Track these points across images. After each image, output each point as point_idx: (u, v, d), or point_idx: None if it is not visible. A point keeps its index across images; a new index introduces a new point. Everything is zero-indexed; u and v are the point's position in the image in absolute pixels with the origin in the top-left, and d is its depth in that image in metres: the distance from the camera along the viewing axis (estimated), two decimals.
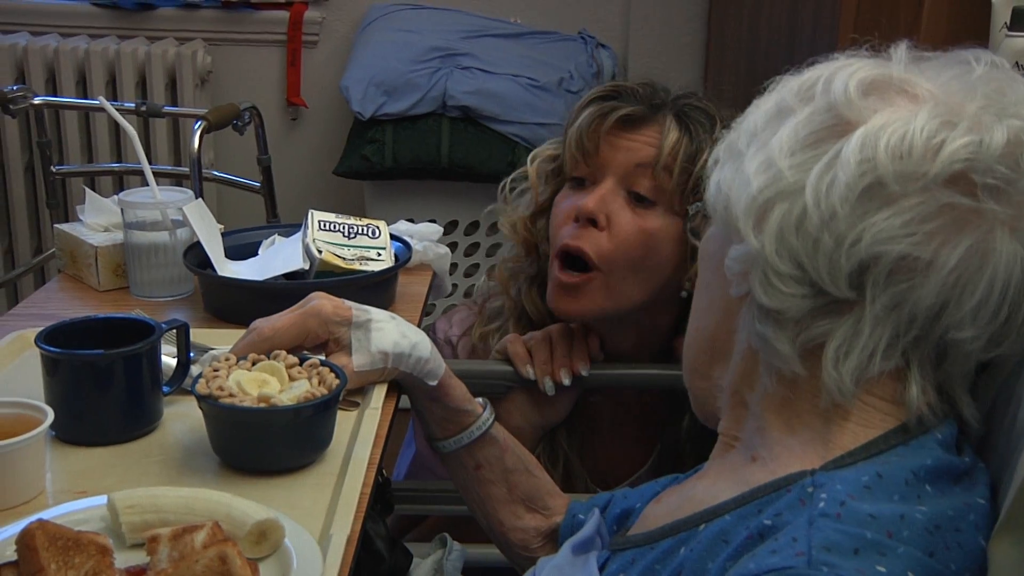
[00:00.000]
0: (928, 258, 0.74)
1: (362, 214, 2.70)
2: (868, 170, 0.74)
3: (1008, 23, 1.39)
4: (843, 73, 0.80)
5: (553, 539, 1.14)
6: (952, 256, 0.74)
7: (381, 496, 1.20)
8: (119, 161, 2.76)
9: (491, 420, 1.15)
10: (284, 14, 2.84)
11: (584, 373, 1.34)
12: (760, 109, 0.84)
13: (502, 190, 1.45)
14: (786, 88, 0.83)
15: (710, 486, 0.85)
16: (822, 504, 0.73)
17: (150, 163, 1.45)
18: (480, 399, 1.16)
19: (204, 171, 2.31)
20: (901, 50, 0.82)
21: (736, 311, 0.84)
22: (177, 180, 2.58)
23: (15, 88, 2.39)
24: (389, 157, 2.60)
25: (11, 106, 2.38)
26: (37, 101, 2.40)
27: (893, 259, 0.75)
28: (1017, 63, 1.35)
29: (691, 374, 0.93)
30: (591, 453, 1.44)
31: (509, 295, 1.45)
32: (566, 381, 1.33)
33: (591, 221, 1.29)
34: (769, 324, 0.79)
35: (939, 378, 0.80)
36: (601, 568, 0.91)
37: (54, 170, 2.57)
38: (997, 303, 0.76)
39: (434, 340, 1.16)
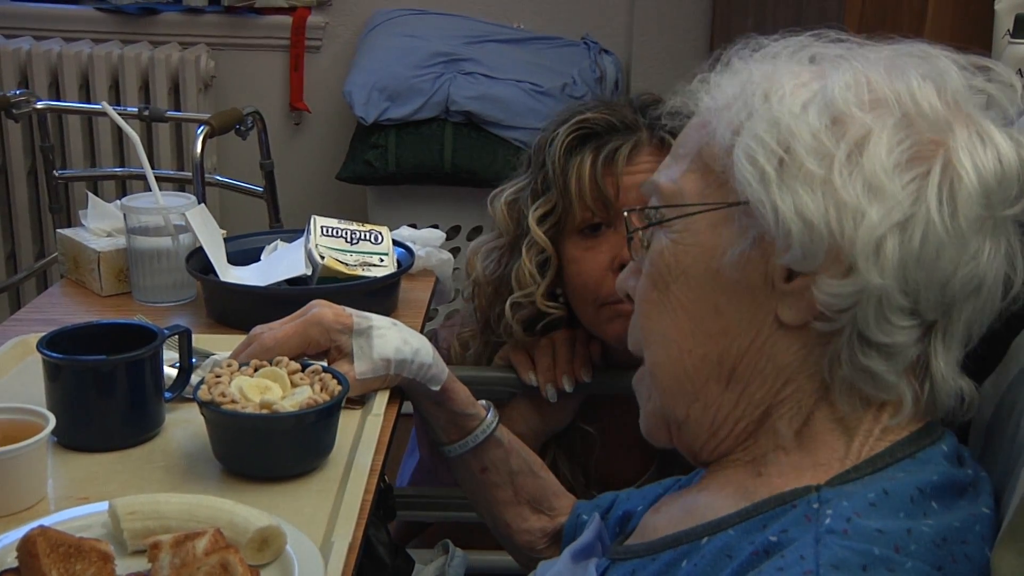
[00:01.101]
0: (999, 270, 0.77)
1: (365, 219, 2.70)
2: (986, 192, 0.75)
3: (1011, 30, 1.39)
4: (902, 79, 0.78)
5: (559, 540, 1.14)
6: (992, 267, 0.77)
7: (383, 502, 1.20)
8: (122, 166, 2.76)
9: (495, 423, 1.15)
10: (287, 19, 2.84)
11: (587, 379, 1.34)
12: (799, 115, 0.77)
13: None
14: (829, 93, 0.77)
15: (712, 498, 0.84)
16: (828, 520, 0.72)
17: (153, 168, 1.45)
18: (484, 402, 1.16)
19: (207, 176, 2.31)
20: (949, 65, 0.80)
21: (781, 336, 0.79)
22: (180, 185, 2.59)
23: (18, 92, 2.39)
24: (392, 162, 2.60)
25: (14, 110, 2.38)
26: (40, 105, 2.40)
27: (992, 278, 0.77)
28: (1020, 70, 1.35)
29: (675, 400, 0.85)
30: (593, 459, 1.44)
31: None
32: (568, 388, 1.33)
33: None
34: (877, 358, 0.77)
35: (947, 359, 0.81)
36: None
37: (57, 174, 2.57)
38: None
39: (436, 347, 1.16)
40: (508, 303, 1.33)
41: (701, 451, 0.87)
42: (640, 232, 0.86)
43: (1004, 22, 1.40)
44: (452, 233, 2.68)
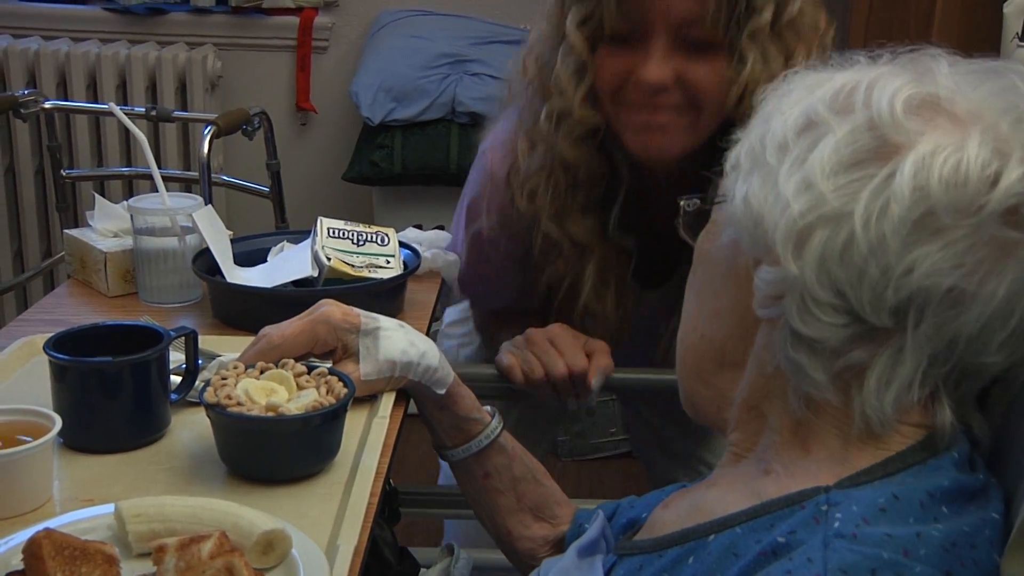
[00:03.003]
0: (973, 290, 0.72)
1: (371, 219, 2.71)
2: (921, 199, 0.71)
3: (1020, 33, 1.39)
4: (885, 87, 0.76)
5: (560, 548, 1.14)
6: (999, 288, 0.72)
7: (389, 504, 1.20)
8: (129, 165, 2.76)
9: (499, 429, 1.14)
10: (294, 20, 2.84)
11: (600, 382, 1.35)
12: (786, 117, 0.79)
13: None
14: (814, 96, 0.79)
15: (721, 496, 0.84)
16: (837, 524, 0.71)
17: (160, 167, 1.44)
18: (488, 407, 1.16)
19: (213, 176, 2.31)
20: (942, 65, 0.78)
21: (755, 327, 0.82)
22: (186, 184, 2.59)
23: (26, 92, 2.39)
24: (398, 163, 2.60)
25: (22, 110, 2.38)
26: (48, 105, 2.40)
27: (942, 292, 0.72)
28: None
29: (691, 379, 0.90)
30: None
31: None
32: (597, 384, 1.34)
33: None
34: (803, 352, 0.77)
35: (957, 395, 0.78)
36: (607, 573, 0.90)
37: (64, 174, 2.57)
38: None
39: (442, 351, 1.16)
40: (545, 109, 1.33)
41: (722, 429, 0.89)
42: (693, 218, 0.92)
43: (1013, 25, 1.40)
44: None
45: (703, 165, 1.10)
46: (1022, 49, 1.34)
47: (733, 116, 1.24)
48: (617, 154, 1.36)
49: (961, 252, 0.72)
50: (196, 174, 2.31)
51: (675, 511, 0.90)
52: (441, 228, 2.18)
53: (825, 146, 0.75)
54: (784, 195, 0.75)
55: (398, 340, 1.09)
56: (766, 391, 0.82)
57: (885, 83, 0.76)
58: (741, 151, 0.82)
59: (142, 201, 1.40)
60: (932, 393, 0.77)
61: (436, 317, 1.49)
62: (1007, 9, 1.43)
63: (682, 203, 0.92)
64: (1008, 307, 0.73)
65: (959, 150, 0.72)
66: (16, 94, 2.38)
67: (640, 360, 1.47)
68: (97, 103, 2.69)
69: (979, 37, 1.54)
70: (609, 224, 1.39)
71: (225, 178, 2.55)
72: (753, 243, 0.79)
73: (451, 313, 1.78)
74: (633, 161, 1.36)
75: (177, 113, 2.45)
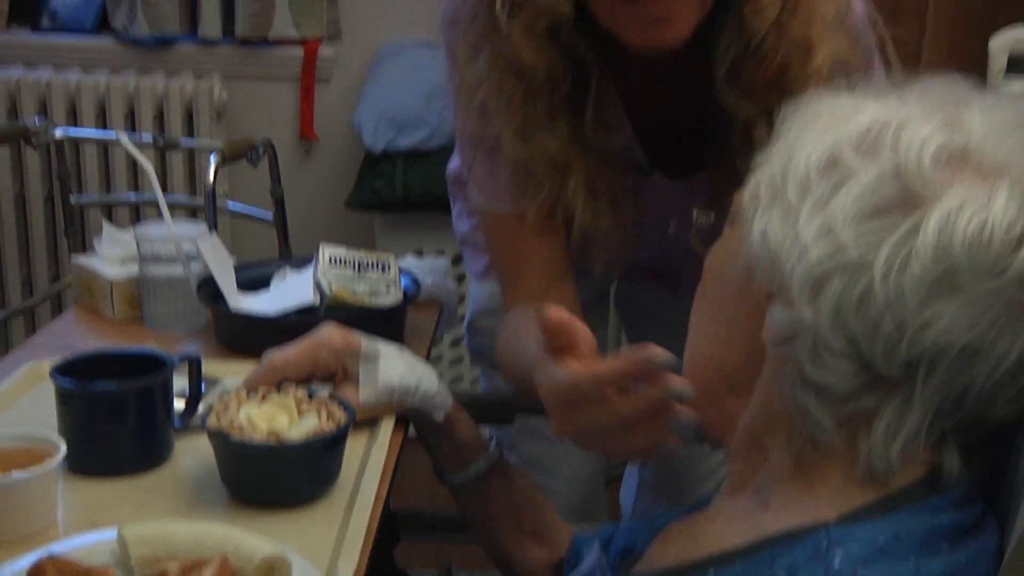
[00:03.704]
0: (986, 348, 0.71)
1: (372, 245, 2.71)
2: (943, 258, 0.69)
3: (1005, 68, 1.39)
4: (915, 133, 0.73)
5: (559, 573, 1.13)
6: (1013, 348, 0.71)
7: (388, 528, 1.19)
8: (136, 191, 2.76)
9: (498, 454, 1.14)
10: (299, 51, 2.85)
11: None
12: (810, 152, 0.76)
13: None
14: (841, 131, 0.76)
15: (720, 530, 0.82)
16: (837, 563, 0.70)
17: (166, 194, 1.45)
18: (487, 433, 1.15)
19: (218, 203, 2.31)
20: (974, 111, 0.75)
21: (764, 356, 0.80)
22: (192, 211, 2.59)
23: (37, 122, 2.40)
24: (399, 190, 2.60)
25: (33, 139, 2.38)
26: (58, 134, 2.40)
27: (956, 349, 0.71)
28: None
29: (700, 398, 0.87)
30: None
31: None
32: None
33: None
34: (811, 396, 0.75)
35: (966, 440, 0.77)
36: None
37: (72, 201, 2.57)
38: None
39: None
40: None
41: (720, 446, 0.88)
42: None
43: (998, 59, 1.41)
44: (457, 259, 2.67)
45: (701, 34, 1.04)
46: (1008, 84, 1.35)
47: None
48: (581, 46, 1.12)
49: (978, 312, 0.70)
50: (202, 201, 2.31)
51: (674, 544, 0.89)
52: (441, 252, 2.19)
53: (848, 192, 0.73)
54: (803, 238, 0.73)
55: (397, 366, 1.09)
56: (769, 425, 0.80)
57: (915, 128, 0.73)
58: (762, 181, 0.79)
59: (148, 229, 1.40)
60: (939, 438, 0.76)
61: (435, 342, 1.48)
62: (993, 45, 1.44)
63: (696, 216, 0.90)
64: (1018, 367, 0.72)
65: (984, 208, 0.69)
66: (28, 125, 2.39)
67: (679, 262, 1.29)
68: (106, 131, 2.70)
69: (966, 71, 1.54)
70: (585, 126, 1.16)
71: (230, 205, 2.55)
72: (769, 278, 0.77)
73: (481, 295, 1.55)
74: (606, 51, 1.13)
75: (184, 141, 2.45)
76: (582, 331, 0.93)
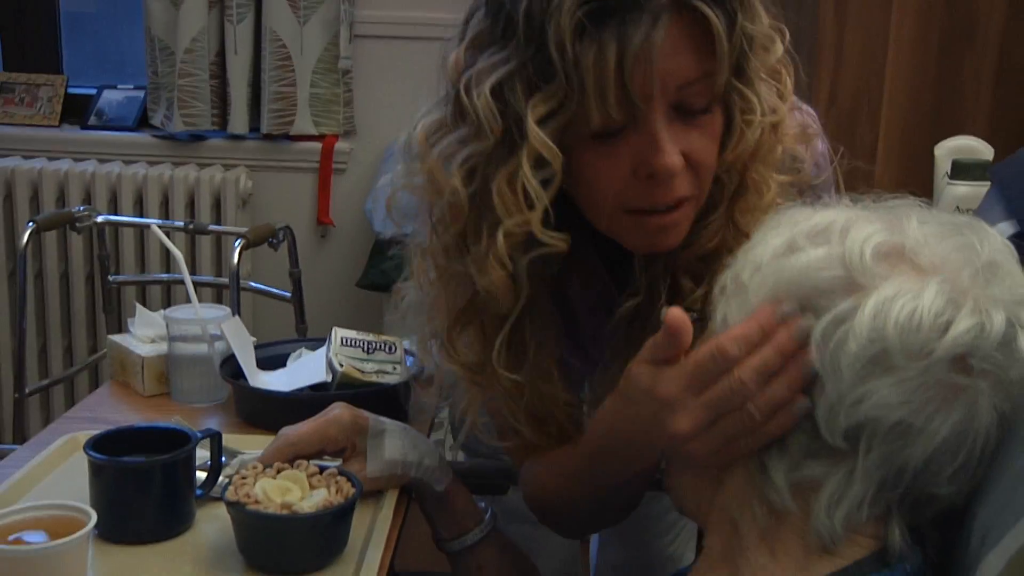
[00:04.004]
0: (920, 425, 0.71)
1: (380, 323, 2.70)
2: (877, 339, 0.70)
3: (948, 173, 1.41)
4: (860, 231, 0.75)
5: None
6: (944, 426, 0.71)
7: None
8: (167, 272, 2.77)
9: (492, 524, 1.12)
10: (317, 145, 2.87)
11: None
12: (768, 245, 0.78)
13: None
14: (797, 228, 0.78)
15: None
16: None
17: (194, 274, 1.45)
18: (483, 504, 1.14)
19: (242, 282, 2.32)
20: (911, 214, 0.77)
21: None
22: (218, 290, 2.59)
23: (82, 209, 2.41)
24: (406, 272, 2.60)
25: (78, 224, 2.39)
26: (100, 220, 2.42)
27: (890, 424, 0.71)
28: (957, 207, 1.36)
29: (679, 472, 0.87)
30: None
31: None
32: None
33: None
34: (771, 454, 0.76)
35: (913, 519, 0.77)
36: None
37: (110, 280, 2.57)
38: (975, 464, 0.74)
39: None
40: (501, 232, 0.87)
41: (696, 520, 0.86)
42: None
43: (943, 165, 1.43)
44: None
45: None
46: (951, 186, 1.36)
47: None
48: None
49: (910, 391, 0.71)
50: (227, 281, 2.31)
51: None
52: None
53: (796, 262, 0.75)
54: (751, 304, 0.76)
55: (402, 442, 1.08)
56: (738, 499, 0.80)
57: (860, 227, 0.75)
58: (728, 277, 0.80)
59: (177, 311, 1.40)
60: (885, 511, 0.75)
61: (436, 426, 1.47)
62: (938, 151, 1.46)
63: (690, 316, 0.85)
64: (954, 444, 0.72)
65: (916, 298, 0.71)
66: (73, 210, 2.40)
67: None
68: (143, 218, 2.71)
69: (915, 173, 1.57)
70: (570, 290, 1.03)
71: (252, 284, 2.55)
72: None
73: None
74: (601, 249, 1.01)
75: (212, 227, 2.46)
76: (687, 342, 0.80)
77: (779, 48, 0.93)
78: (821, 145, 1.07)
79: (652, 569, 1.58)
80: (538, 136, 0.83)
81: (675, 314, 0.78)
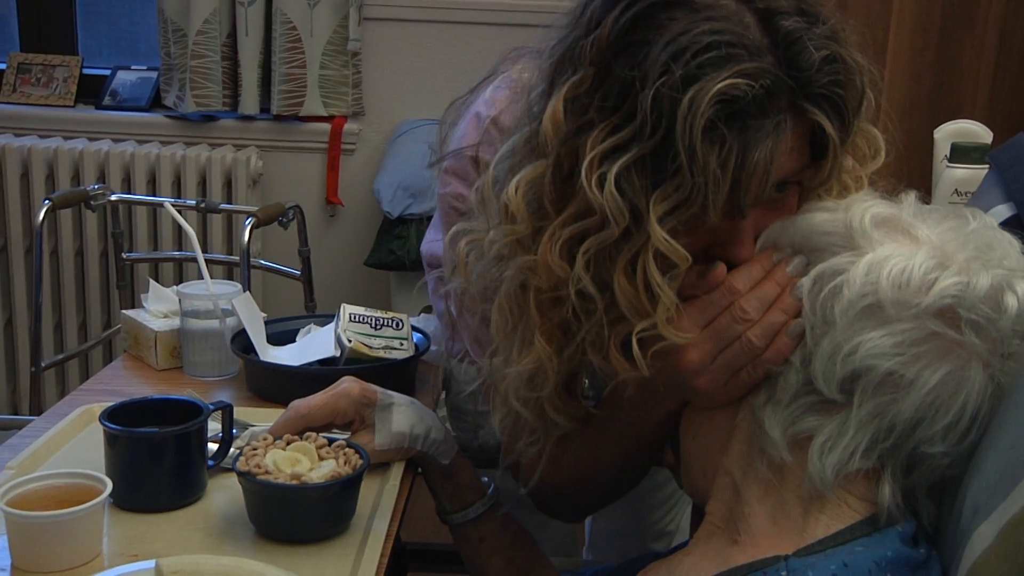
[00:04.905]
0: (911, 377, 0.74)
1: (388, 300, 2.71)
2: (870, 292, 0.74)
3: (948, 156, 1.40)
4: (862, 203, 0.80)
5: None
6: (932, 378, 0.74)
7: (397, 560, 1.18)
8: (180, 250, 2.77)
9: (495, 498, 1.13)
10: (326, 126, 2.87)
11: None
12: None
13: None
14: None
15: (694, 563, 0.83)
16: None
17: (206, 252, 1.45)
18: (486, 479, 1.15)
19: (252, 260, 2.32)
20: (911, 199, 0.82)
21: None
22: (228, 267, 2.59)
23: (97, 187, 2.41)
24: (413, 251, 2.60)
25: (92, 202, 2.40)
26: (114, 198, 2.42)
27: (881, 373, 0.74)
28: (956, 190, 1.36)
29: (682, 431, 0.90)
30: None
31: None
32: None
33: None
34: (768, 408, 0.78)
35: (907, 484, 0.78)
36: None
37: (124, 257, 2.57)
38: (966, 426, 0.75)
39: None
40: (635, 336, 0.80)
41: (702, 493, 0.87)
42: None
43: (942, 148, 1.42)
44: None
45: None
46: (950, 170, 1.35)
47: None
48: None
49: (902, 342, 0.74)
50: (237, 258, 2.31)
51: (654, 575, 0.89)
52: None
53: (804, 219, 0.81)
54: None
55: (409, 415, 1.09)
56: (740, 461, 0.82)
57: (863, 202, 0.81)
58: None
59: (189, 287, 1.40)
60: (878, 471, 0.77)
61: (444, 388, 1.48)
62: (937, 135, 1.45)
63: None
64: (945, 397, 0.74)
65: (908, 258, 0.75)
66: (88, 189, 2.40)
67: None
68: (156, 197, 2.71)
69: (915, 158, 1.56)
70: None
71: (262, 262, 2.56)
72: None
73: (458, 379, 1.45)
74: None
75: (223, 206, 2.46)
76: None
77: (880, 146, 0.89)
78: None
79: (644, 539, 1.60)
80: (662, 238, 0.76)
81: (721, 270, 0.80)
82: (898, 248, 0.76)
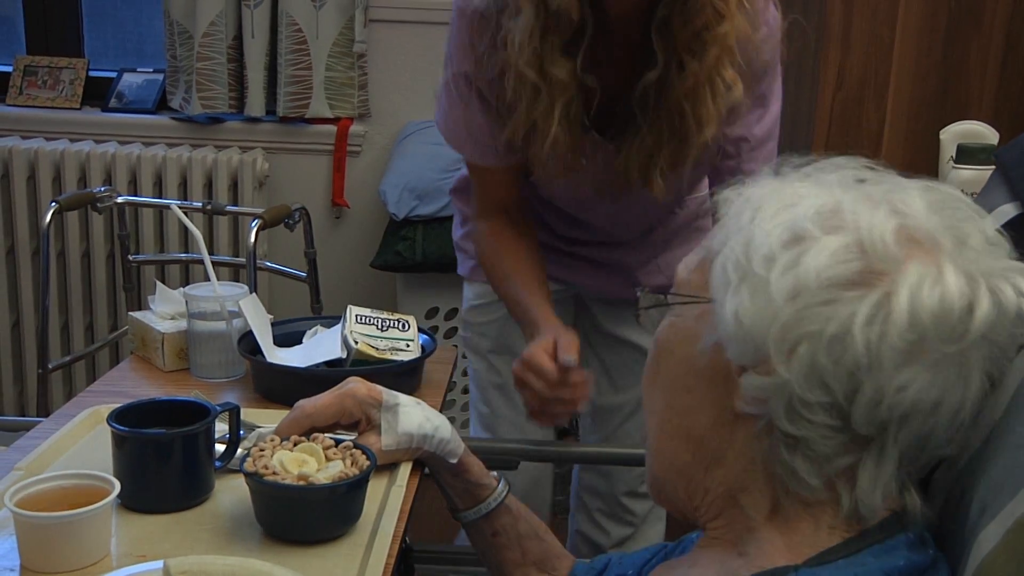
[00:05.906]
0: (946, 400, 0.71)
1: (394, 301, 2.71)
2: (916, 328, 0.69)
3: (953, 157, 1.40)
4: (873, 215, 0.72)
5: None
6: (966, 397, 0.72)
7: (404, 561, 1.18)
8: (186, 252, 2.78)
9: (505, 492, 1.13)
10: (332, 128, 2.88)
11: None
12: (767, 232, 0.74)
13: None
14: (795, 211, 0.74)
15: (700, 573, 0.82)
16: None
17: (212, 254, 1.46)
18: (495, 473, 1.15)
19: (258, 262, 2.32)
20: (914, 197, 0.74)
21: (738, 424, 0.76)
22: (235, 269, 2.60)
23: (103, 189, 2.42)
24: (419, 253, 2.61)
25: (99, 204, 2.41)
26: (120, 200, 2.43)
27: (928, 406, 0.71)
28: (963, 190, 1.35)
29: (666, 469, 0.83)
30: None
31: None
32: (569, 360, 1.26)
33: None
34: (798, 457, 0.73)
35: (915, 479, 0.77)
36: None
37: (131, 259, 2.58)
38: (969, 421, 0.74)
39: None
40: None
41: (686, 515, 0.84)
42: (652, 310, 0.85)
43: (948, 149, 1.42)
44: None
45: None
46: (956, 170, 1.35)
47: None
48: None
49: (940, 372, 0.70)
50: (244, 260, 2.32)
51: None
52: (455, 310, 2.19)
53: (817, 256, 0.71)
54: (776, 301, 0.71)
55: (415, 415, 1.09)
56: (745, 484, 0.78)
57: (870, 211, 0.73)
58: (727, 264, 0.75)
59: (196, 289, 1.41)
60: (903, 480, 0.76)
61: (449, 388, 1.48)
62: (943, 136, 1.46)
63: (639, 294, 0.85)
64: (958, 408, 0.73)
65: (939, 282, 0.69)
66: (94, 191, 2.42)
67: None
68: (162, 199, 2.72)
69: (920, 158, 1.56)
70: (578, 64, 1.28)
71: (269, 264, 2.56)
72: (742, 353, 0.73)
73: (469, 295, 1.71)
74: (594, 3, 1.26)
75: (229, 208, 2.47)
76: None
77: None
78: (773, 19, 1.28)
79: (624, 503, 1.69)
80: None
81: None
82: (921, 267, 0.70)
